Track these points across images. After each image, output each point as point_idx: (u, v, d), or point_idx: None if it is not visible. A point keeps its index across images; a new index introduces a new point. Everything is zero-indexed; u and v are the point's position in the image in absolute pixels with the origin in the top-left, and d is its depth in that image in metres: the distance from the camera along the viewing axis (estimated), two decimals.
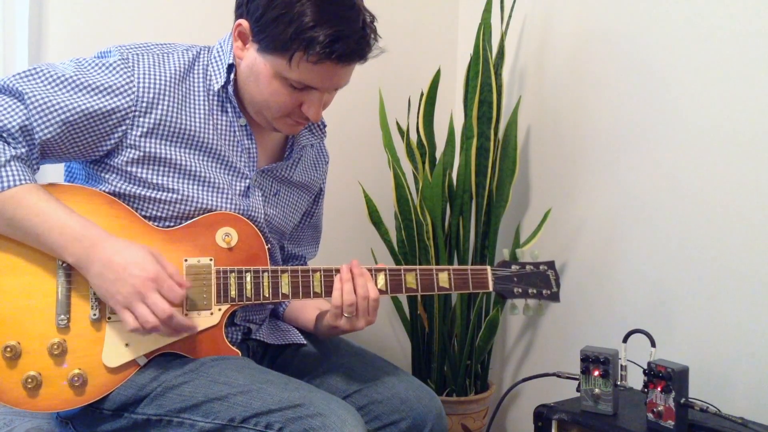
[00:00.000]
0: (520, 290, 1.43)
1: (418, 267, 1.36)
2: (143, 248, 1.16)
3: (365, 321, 1.29)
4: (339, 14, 1.18)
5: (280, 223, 1.43)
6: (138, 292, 1.12)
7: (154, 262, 1.15)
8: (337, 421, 1.09)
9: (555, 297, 1.45)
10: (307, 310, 1.45)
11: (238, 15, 1.27)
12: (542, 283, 1.45)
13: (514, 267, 1.44)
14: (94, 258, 1.13)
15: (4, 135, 1.16)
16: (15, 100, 1.18)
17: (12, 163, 1.15)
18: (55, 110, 1.18)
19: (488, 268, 1.41)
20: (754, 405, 1.60)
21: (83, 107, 1.20)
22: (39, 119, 1.17)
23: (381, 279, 1.32)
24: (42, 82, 1.20)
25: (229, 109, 1.33)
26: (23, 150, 1.17)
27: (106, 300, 1.15)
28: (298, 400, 1.13)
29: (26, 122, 1.17)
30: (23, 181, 1.15)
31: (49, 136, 1.18)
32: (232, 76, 1.31)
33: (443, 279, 1.36)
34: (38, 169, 1.22)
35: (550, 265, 1.47)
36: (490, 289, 1.40)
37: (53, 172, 1.46)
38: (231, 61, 1.30)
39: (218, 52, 1.33)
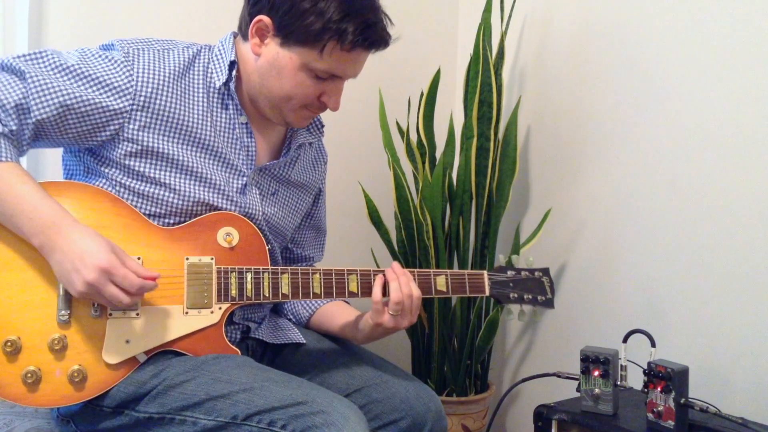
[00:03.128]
0: (515, 295, 1.44)
1: (416, 270, 1.37)
2: (102, 239, 1.14)
3: (408, 320, 1.32)
4: (363, 4, 1.26)
5: (280, 223, 1.43)
6: (92, 284, 1.10)
7: (108, 252, 1.12)
8: (339, 418, 1.10)
9: (549, 303, 1.47)
10: (343, 314, 1.45)
11: (256, 11, 1.28)
12: (537, 289, 1.46)
13: (510, 272, 1.45)
14: (56, 246, 1.12)
15: None
16: (15, 78, 1.19)
17: None
18: (54, 92, 1.19)
19: (485, 272, 1.43)
20: (754, 405, 1.60)
21: (82, 96, 1.21)
22: (37, 98, 1.18)
23: (378, 282, 1.33)
24: (45, 65, 1.21)
25: (230, 106, 1.33)
26: (13, 128, 1.17)
27: (68, 289, 1.14)
28: (300, 397, 1.13)
29: (23, 100, 1.17)
30: (4, 159, 1.15)
31: (45, 116, 1.19)
32: (234, 73, 1.31)
33: (441, 283, 1.38)
34: (27, 149, 1.22)
35: (545, 271, 1.49)
36: (487, 293, 1.42)
37: (54, 168, 1.46)
38: (233, 59, 1.31)
39: (219, 50, 1.34)
